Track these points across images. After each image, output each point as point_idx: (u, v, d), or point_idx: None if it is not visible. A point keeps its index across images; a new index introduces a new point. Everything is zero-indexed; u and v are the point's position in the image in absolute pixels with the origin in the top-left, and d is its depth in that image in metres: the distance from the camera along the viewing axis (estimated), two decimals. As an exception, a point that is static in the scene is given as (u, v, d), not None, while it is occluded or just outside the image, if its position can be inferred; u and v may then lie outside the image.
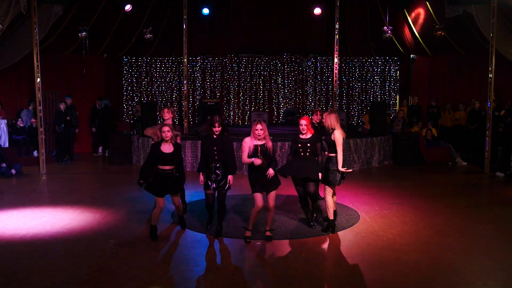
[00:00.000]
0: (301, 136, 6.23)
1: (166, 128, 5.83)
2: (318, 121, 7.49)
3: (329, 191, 6.16)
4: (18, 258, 5.27)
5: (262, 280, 4.73)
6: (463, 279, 4.73)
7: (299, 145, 6.20)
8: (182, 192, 6.88)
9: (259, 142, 5.73)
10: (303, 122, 6.18)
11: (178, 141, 6.26)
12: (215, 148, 5.90)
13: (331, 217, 6.20)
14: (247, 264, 5.13)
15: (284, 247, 5.68)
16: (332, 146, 6.07)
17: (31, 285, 4.59)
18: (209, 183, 5.97)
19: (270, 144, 5.77)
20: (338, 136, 6.00)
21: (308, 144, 6.16)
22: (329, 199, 6.16)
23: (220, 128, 5.90)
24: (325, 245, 5.81)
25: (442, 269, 4.95)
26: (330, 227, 6.20)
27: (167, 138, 5.81)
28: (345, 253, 5.49)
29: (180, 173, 6.11)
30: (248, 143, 5.74)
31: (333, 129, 6.05)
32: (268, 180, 5.68)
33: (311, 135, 6.23)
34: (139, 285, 4.62)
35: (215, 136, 5.92)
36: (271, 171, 5.67)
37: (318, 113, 7.64)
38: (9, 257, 5.33)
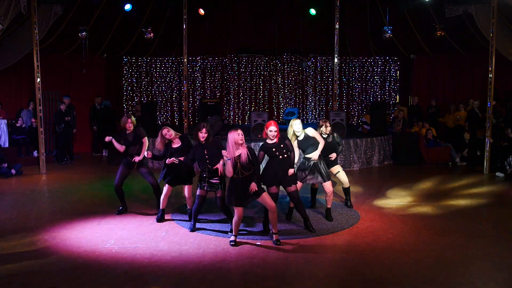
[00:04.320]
0: (270, 142, 6.03)
1: (164, 131, 6.46)
2: (328, 132, 7.16)
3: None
4: (19, 258, 5.27)
5: (263, 280, 4.73)
6: (463, 279, 4.73)
7: (273, 149, 5.99)
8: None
9: (238, 152, 5.48)
10: (273, 128, 5.96)
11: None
12: (205, 153, 6.10)
13: (330, 205, 6.82)
14: (247, 264, 5.13)
15: (284, 247, 5.67)
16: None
17: (31, 285, 4.59)
18: (202, 184, 6.16)
19: (245, 150, 5.52)
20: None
21: (281, 146, 6.03)
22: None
23: (206, 135, 6.10)
24: (325, 245, 5.81)
25: (442, 269, 4.95)
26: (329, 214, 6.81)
27: (171, 138, 6.48)
28: (345, 253, 5.49)
29: (189, 166, 6.56)
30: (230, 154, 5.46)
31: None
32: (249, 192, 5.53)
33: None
34: (139, 285, 4.62)
35: (203, 142, 6.13)
36: (253, 186, 5.49)
37: (327, 123, 7.22)
38: (9, 257, 5.33)
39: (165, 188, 6.68)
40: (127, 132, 7.08)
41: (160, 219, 6.75)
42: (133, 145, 7.08)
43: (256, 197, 5.59)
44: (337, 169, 7.31)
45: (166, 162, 6.46)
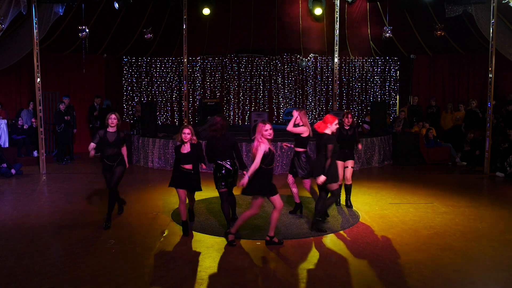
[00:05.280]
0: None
1: (186, 130, 6.16)
2: (349, 123, 7.35)
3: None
4: (18, 258, 5.27)
5: (263, 280, 4.73)
6: (463, 279, 4.73)
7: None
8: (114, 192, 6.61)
9: (269, 145, 5.53)
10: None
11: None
12: (218, 146, 6.16)
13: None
14: (247, 264, 5.13)
15: (284, 247, 5.68)
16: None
17: (31, 285, 4.59)
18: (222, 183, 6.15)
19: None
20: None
21: None
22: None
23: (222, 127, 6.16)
24: (325, 245, 5.81)
25: (442, 269, 4.96)
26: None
27: (186, 140, 6.12)
28: (345, 253, 5.49)
29: (196, 172, 6.27)
30: (264, 147, 5.43)
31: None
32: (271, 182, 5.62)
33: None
34: (139, 285, 4.62)
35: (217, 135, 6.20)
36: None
37: (349, 115, 7.38)
38: (9, 257, 5.33)
39: (179, 194, 6.19)
40: (109, 130, 6.52)
41: (185, 233, 6.19)
42: (112, 147, 6.50)
43: (272, 194, 5.59)
44: (350, 164, 7.36)
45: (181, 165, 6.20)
